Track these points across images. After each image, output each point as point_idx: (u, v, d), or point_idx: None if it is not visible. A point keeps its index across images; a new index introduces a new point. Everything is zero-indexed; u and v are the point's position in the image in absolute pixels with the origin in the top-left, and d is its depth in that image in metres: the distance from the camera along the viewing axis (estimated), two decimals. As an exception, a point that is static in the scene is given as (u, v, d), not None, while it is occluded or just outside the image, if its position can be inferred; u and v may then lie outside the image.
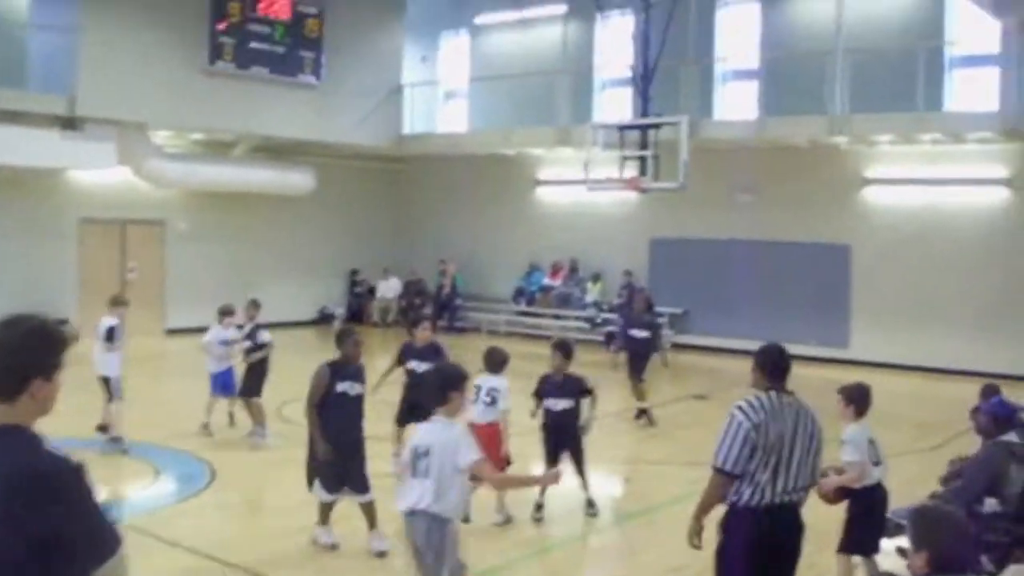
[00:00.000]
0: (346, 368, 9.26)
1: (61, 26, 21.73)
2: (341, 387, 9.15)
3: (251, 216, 26.96)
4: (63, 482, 3.21)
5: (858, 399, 8.03)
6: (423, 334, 12.25)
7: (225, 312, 14.56)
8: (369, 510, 9.19)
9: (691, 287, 24.72)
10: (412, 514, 6.40)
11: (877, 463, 7.86)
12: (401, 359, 12.25)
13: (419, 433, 6.62)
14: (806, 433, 6.00)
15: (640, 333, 16.13)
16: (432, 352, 11.84)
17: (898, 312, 22.34)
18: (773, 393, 6.07)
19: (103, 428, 13.16)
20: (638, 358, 15.93)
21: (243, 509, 11.20)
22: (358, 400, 9.29)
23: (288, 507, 10.62)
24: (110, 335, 12.98)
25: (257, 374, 14.06)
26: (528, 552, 9.74)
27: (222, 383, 14.33)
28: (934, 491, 9.10)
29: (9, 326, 3.35)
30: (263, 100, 24.58)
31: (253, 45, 24.24)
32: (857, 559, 7.98)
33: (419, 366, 11.68)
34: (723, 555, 5.99)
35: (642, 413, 15.84)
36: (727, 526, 5.97)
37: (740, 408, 5.96)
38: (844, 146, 22.52)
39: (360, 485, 9.19)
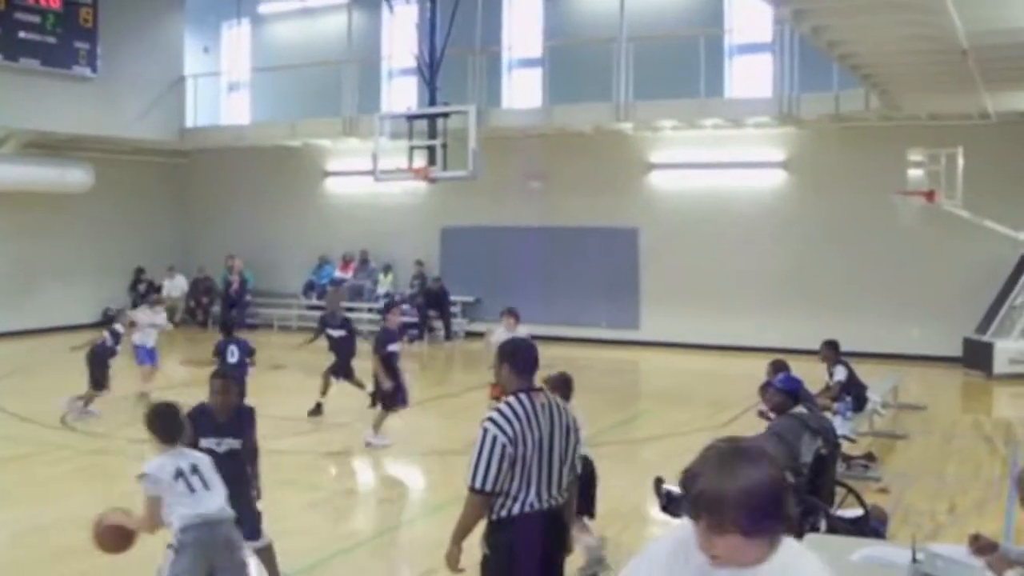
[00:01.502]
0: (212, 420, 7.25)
1: None
2: (205, 443, 6.98)
3: (27, 215, 25.67)
4: None
5: (562, 387, 7.95)
6: (393, 318, 14.51)
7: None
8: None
9: (483, 275, 24.79)
10: None
11: None
12: (378, 348, 13.69)
13: None
14: (563, 431, 5.58)
15: (337, 333, 15.97)
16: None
17: (687, 293, 22.92)
18: (523, 396, 5.53)
19: None
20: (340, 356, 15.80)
21: (25, 527, 10.48)
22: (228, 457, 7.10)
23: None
24: None
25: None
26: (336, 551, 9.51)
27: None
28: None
29: None
30: (35, 93, 23.42)
31: (22, 35, 23.05)
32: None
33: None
34: (489, 571, 5.54)
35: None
36: (491, 541, 5.52)
37: (493, 420, 5.43)
38: (629, 132, 22.96)
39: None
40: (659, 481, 8.55)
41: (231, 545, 6.29)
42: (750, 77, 22.62)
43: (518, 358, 5.68)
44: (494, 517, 5.50)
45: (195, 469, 6.16)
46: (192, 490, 6.07)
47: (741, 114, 21.48)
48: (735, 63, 23.05)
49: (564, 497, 5.63)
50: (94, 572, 7.72)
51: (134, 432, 13.93)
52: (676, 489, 8.50)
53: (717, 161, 22.77)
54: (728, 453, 2.89)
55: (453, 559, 5.58)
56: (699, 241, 22.88)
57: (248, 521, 7.00)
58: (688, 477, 2.89)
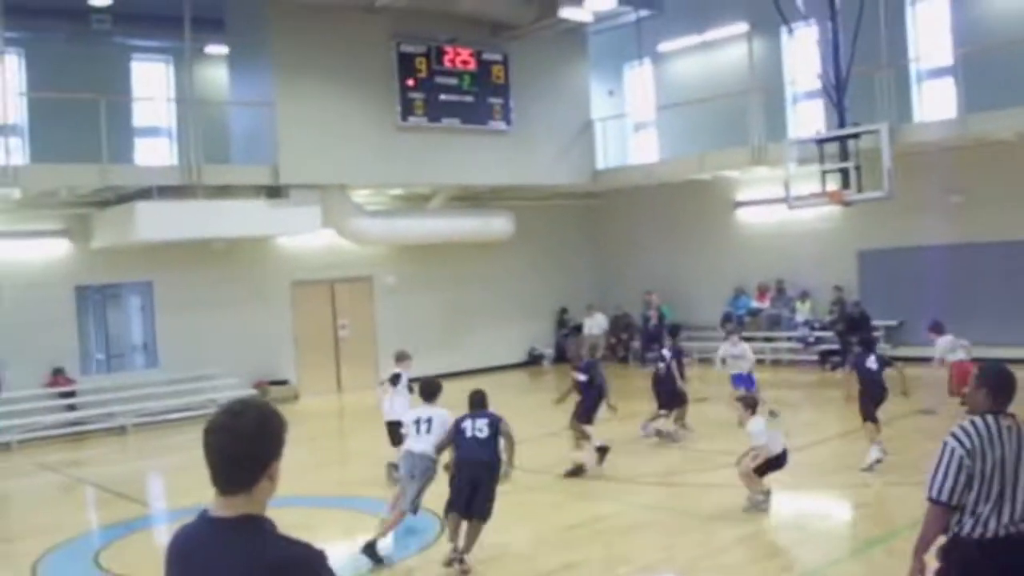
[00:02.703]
0: None
1: (258, 102, 22.56)
2: None
3: (455, 264, 27.39)
4: (313, 570, 3.22)
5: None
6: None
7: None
8: None
9: (905, 297, 23.86)
10: None
11: None
12: None
13: None
14: None
15: (582, 377, 15.23)
16: None
17: None
18: (990, 417, 5.54)
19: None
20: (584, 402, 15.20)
21: (471, 559, 11.08)
22: None
23: (520, 553, 10.64)
24: (395, 381, 14.39)
25: None
26: None
27: None
28: None
29: (239, 415, 3.31)
30: (456, 150, 24.94)
31: (442, 97, 24.66)
32: None
33: None
34: None
35: None
36: (948, 557, 5.57)
37: (953, 434, 5.51)
38: (1056, 137, 21.52)
39: None
40: None
41: None
42: None
43: (992, 381, 5.69)
44: (952, 535, 5.53)
45: None
46: None
47: None
48: None
49: None
50: None
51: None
52: None
53: None
54: None
55: (915, 573, 5.58)
56: None
57: None
58: None
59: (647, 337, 27.43)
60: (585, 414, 15.00)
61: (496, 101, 25.71)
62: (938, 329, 17.12)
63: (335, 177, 23.26)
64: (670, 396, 16.61)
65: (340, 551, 11.41)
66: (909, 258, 23.75)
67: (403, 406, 13.60)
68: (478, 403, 10.80)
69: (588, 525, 11.59)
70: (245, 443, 3.26)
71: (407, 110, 24.07)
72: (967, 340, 17.17)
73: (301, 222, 23.06)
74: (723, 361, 18.28)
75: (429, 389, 11.33)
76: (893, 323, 24.17)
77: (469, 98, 25.14)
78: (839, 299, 24.80)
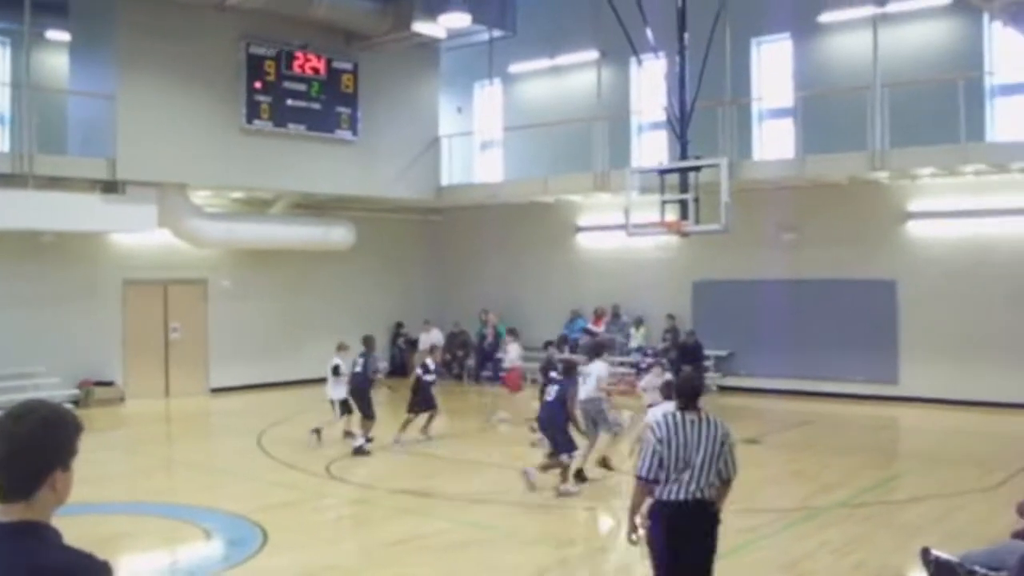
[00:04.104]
0: None
1: (99, 93, 21.94)
2: None
3: (293, 272, 27.04)
4: None
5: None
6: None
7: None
8: None
9: (736, 329, 24.48)
10: None
11: None
12: None
13: None
14: (710, 440, 7.13)
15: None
16: None
17: (947, 346, 22.04)
18: (679, 413, 7.30)
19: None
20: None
21: (295, 573, 10.92)
22: None
23: (346, 568, 10.52)
24: (336, 370, 17.85)
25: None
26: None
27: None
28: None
29: (19, 420, 3.08)
30: (301, 157, 24.67)
31: (290, 103, 24.37)
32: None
33: None
34: (649, 537, 7.28)
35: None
36: (653, 516, 7.24)
37: (651, 428, 7.56)
38: (885, 181, 22.34)
39: None
40: (926, 551, 8.24)
41: None
42: (1015, 120, 21.68)
43: (679, 388, 7.69)
44: (654, 500, 7.22)
45: None
46: None
47: (1005, 158, 20.49)
48: (997, 105, 22.14)
49: (708, 492, 7.13)
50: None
51: (396, 484, 14.44)
52: (946, 556, 8.17)
53: (980, 208, 21.81)
54: None
55: (631, 530, 7.51)
56: (961, 292, 21.96)
57: None
58: None
59: (482, 355, 27.54)
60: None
61: (344, 110, 25.51)
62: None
63: (174, 175, 22.71)
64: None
65: (159, 560, 11.16)
66: (742, 291, 24.37)
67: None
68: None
69: (414, 541, 11.51)
70: (22, 451, 3.04)
71: (253, 113, 23.70)
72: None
73: (136, 220, 22.44)
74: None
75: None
76: (723, 353, 24.72)
77: (317, 105, 24.90)
78: (673, 327, 25.27)
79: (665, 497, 7.13)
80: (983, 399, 21.30)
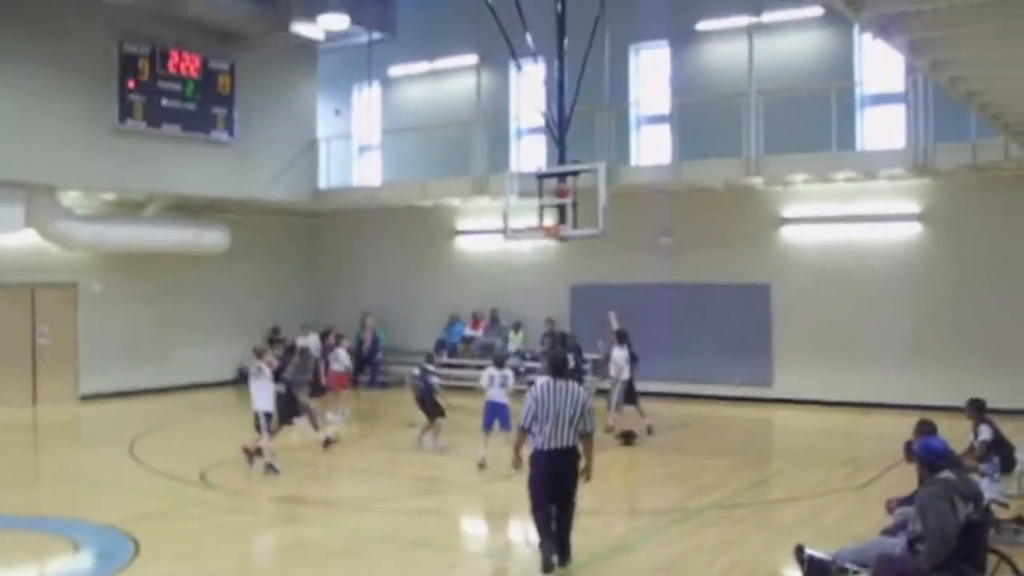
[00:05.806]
0: None
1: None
2: None
3: (167, 276, 26.43)
4: None
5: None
6: None
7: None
8: None
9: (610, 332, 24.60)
10: None
11: None
12: None
13: None
14: (572, 403, 9.72)
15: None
16: None
17: (821, 349, 22.49)
18: (551, 380, 9.99)
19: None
20: None
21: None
22: None
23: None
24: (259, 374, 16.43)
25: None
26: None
27: None
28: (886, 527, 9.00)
29: None
30: (175, 158, 24.19)
31: (164, 102, 23.90)
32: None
33: None
34: (529, 479, 9.82)
35: None
36: (531, 461, 9.84)
37: (529, 390, 10.12)
38: (760, 187, 22.72)
39: None
40: (800, 549, 8.35)
41: None
42: (883, 128, 22.24)
43: (551, 363, 10.49)
44: (533, 448, 9.80)
45: None
46: None
47: (874, 166, 21.05)
48: (867, 115, 22.69)
49: (572, 443, 9.73)
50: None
51: (273, 491, 14.22)
52: (819, 554, 8.28)
53: (850, 214, 22.32)
54: None
55: (516, 464, 10.29)
56: (833, 296, 22.46)
57: None
58: None
59: (360, 360, 27.31)
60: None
61: (220, 111, 25.11)
62: None
63: (42, 176, 22.05)
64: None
65: None
66: (620, 295, 24.43)
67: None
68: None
69: (293, 550, 11.34)
70: None
71: (126, 112, 23.18)
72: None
73: (1, 221, 21.80)
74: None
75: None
76: (600, 357, 24.82)
77: (192, 105, 24.46)
78: (551, 331, 25.30)
79: (540, 447, 9.71)
80: (853, 399, 21.80)
